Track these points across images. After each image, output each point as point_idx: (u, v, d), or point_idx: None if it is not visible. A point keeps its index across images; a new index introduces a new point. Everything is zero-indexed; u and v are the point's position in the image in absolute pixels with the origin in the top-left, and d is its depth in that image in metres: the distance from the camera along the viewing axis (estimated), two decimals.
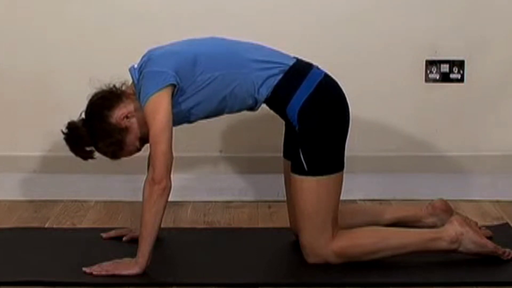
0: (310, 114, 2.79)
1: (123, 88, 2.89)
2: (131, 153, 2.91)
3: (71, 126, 2.87)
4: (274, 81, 2.82)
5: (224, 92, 2.82)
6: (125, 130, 2.85)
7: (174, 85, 2.75)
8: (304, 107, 2.80)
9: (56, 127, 3.67)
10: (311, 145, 2.79)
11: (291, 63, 2.85)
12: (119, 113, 2.84)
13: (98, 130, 2.84)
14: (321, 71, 2.88)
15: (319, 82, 2.83)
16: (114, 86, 2.89)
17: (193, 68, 2.80)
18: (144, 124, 2.79)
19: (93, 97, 2.89)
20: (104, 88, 2.89)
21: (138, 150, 2.91)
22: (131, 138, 2.86)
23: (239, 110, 2.91)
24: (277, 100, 2.83)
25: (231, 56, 2.84)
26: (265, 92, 2.82)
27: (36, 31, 3.59)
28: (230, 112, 2.91)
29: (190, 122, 2.92)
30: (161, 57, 2.81)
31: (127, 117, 2.84)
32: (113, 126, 2.84)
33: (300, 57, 2.91)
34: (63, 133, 2.88)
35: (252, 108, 2.90)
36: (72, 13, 3.58)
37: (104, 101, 2.86)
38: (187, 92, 2.80)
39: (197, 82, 2.80)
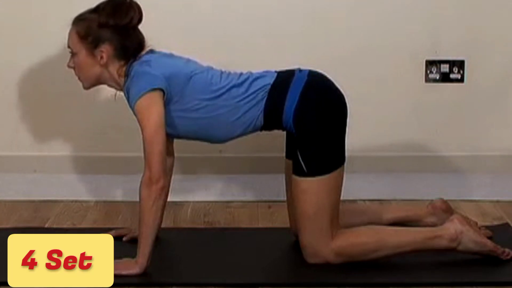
0: (304, 116, 2.79)
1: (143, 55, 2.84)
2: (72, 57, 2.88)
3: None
4: (262, 103, 2.82)
5: (209, 122, 2.83)
6: (89, 53, 2.81)
7: (163, 91, 2.75)
8: (297, 112, 2.79)
9: (56, 127, 3.69)
10: (309, 146, 2.79)
11: (272, 80, 2.85)
12: (110, 50, 2.80)
13: (109, 19, 2.78)
14: (304, 72, 2.86)
15: (305, 83, 2.82)
16: (147, 51, 2.84)
17: (186, 84, 2.79)
18: (93, 76, 2.83)
19: (139, 32, 2.85)
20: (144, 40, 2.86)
21: (71, 62, 2.89)
22: (82, 55, 2.82)
23: (227, 140, 2.92)
24: (271, 117, 2.83)
25: (223, 88, 2.82)
26: (255, 114, 2.82)
27: (37, 31, 3.59)
28: (213, 142, 2.93)
29: (171, 137, 2.91)
30: (156, 62, 2.80)
31: (102, 57, 2.80)
32: (100, 36, 2.79)
33: (280, 70, 2.89)
34: None
35: (244, 134, 2.90)
36: (73, 15, 3.58)
37: (135, 36, 2.83)
38: (172, 106, 2.80)
39: (185, 104, 2.80)
